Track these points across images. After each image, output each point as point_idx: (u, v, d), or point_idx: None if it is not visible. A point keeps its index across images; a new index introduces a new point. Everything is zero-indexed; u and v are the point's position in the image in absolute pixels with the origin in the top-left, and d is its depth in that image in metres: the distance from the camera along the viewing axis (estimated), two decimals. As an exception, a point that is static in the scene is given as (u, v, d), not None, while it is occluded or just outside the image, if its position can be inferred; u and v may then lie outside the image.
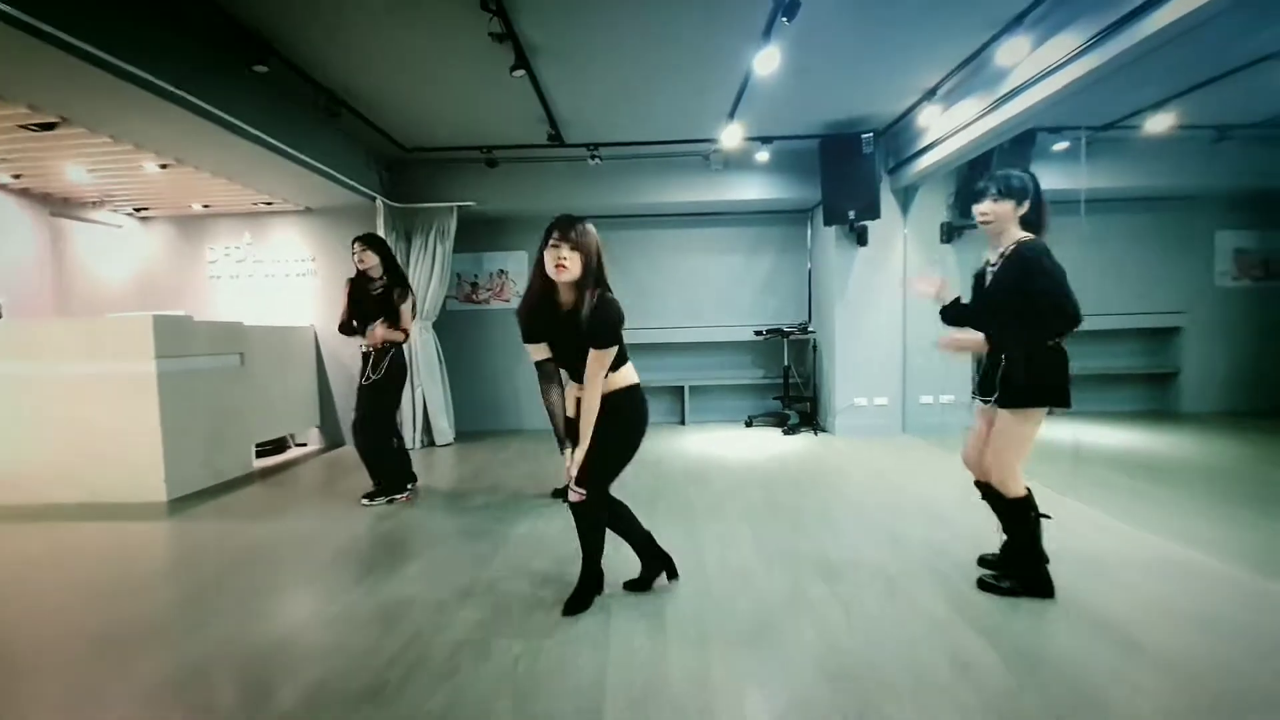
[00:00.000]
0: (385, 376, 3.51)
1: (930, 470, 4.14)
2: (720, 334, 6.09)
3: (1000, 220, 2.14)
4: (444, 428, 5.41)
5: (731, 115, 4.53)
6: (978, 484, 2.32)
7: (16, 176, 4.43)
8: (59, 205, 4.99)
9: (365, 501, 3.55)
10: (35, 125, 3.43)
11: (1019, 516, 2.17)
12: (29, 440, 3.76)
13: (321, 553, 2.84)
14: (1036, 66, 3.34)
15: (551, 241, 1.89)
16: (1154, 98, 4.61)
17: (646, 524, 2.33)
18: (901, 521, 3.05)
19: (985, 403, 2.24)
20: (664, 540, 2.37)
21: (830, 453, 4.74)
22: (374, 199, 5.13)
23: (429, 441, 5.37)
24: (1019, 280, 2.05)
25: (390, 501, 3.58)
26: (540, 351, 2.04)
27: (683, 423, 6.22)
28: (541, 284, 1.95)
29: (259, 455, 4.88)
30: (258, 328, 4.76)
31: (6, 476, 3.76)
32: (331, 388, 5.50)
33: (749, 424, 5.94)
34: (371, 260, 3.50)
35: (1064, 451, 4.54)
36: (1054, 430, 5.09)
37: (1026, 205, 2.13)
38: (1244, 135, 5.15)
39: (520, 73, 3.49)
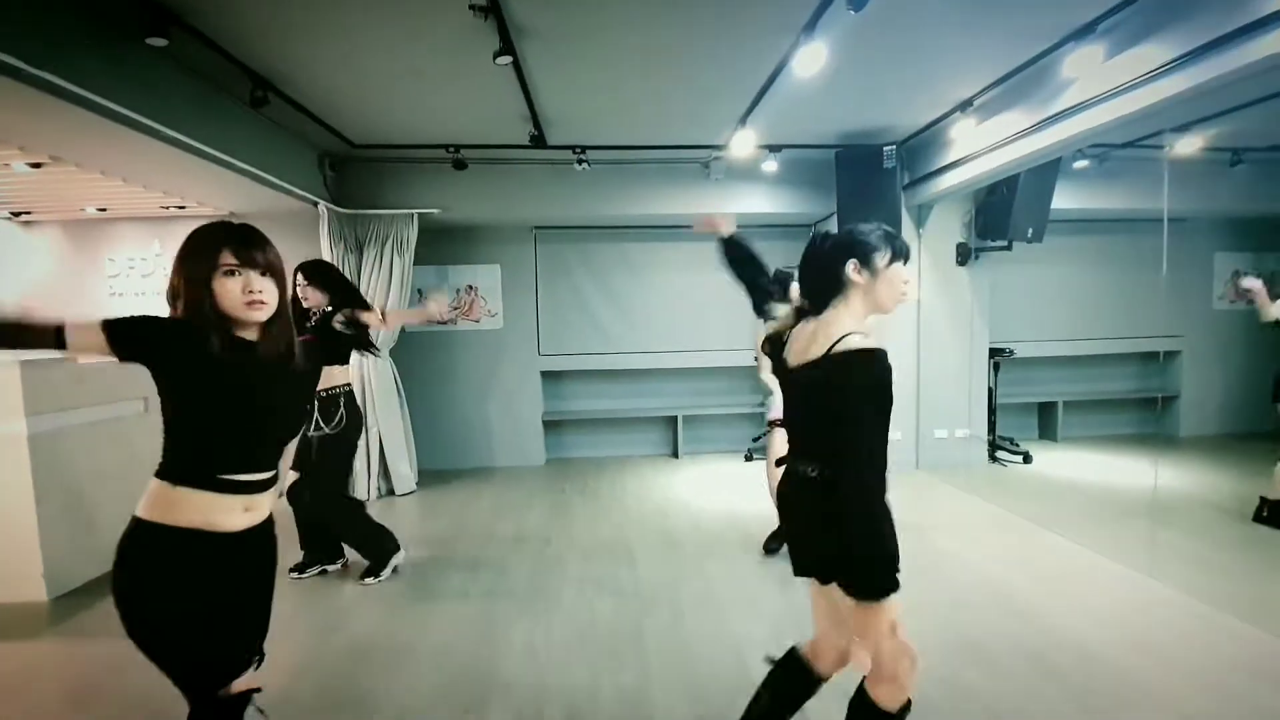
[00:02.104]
0: (343, 427, 2.90)
1: (964, 520, 3.71)
2: (717, 359, 5.54)
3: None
4: (405, 473, 4.66)
5: (744, 121, 3.96)
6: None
7: None
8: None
9: (295, 575, 3.02)
10: None
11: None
12: None
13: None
14: (1107, 83, 2.91)
15: (231, 266, 1.17)
16: (1183, 118, 4.33)
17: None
18: (966, 608, 2.56)
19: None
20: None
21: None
22: (316, 204, 4.30)
23: (388, 490, 4.61)
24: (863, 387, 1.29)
25: (377, 578, 3.00)
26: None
27: (675, 455, 5.65)
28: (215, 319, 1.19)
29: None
30: (170, 363, 3.88)
31: None
32: (267, 426, 4.64)
33: (749, 458, 5.43)
34: (317, 299, 2.78)
35: (1068, 490, 4.23)
36: (1055, 465, 4.94)
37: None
38: (1258, 158, 4.97)
39: (506, 59, 2.80)
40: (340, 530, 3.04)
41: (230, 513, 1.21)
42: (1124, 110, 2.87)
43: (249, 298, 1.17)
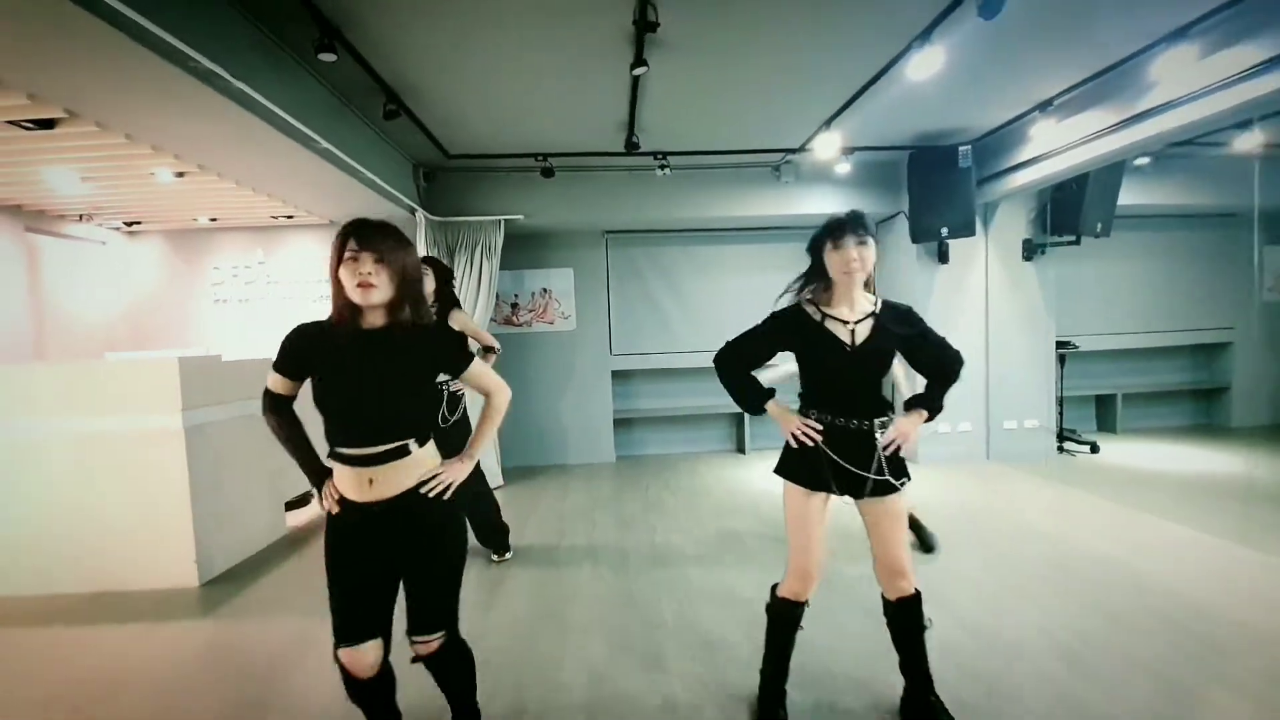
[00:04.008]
0: (463, 416, 3.12)
1: (1069, 510, 3.83)
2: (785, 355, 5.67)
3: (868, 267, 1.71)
4: (493, 468, 4.80)
5: (828, 124, 4.15)
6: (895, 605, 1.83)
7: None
8: (33, 219, 4.15)
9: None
10: (30, 123, 2.72)
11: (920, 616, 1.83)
12: (24, 518, 3.01)
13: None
14: (1198, 82, 3.09)
15: (352, 253, 1.35)
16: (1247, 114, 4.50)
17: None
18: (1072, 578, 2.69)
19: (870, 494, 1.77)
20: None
21: (928, 486, 4.40)
22: (413, 211, 4.50)
23: (479, 485, 4.75)
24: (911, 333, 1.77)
25: (502, 557, 3.28)
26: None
27: (742, 450, 5.79)
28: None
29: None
30: (286, 363, 4.05)
31: (-8, 564, 2.99)
32: (360, 426, 4.80)
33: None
34: (430, 286, 2.97)
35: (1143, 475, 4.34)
36: (1123, 455, 4.99)
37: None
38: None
39: (641, 69, 2.99)
40: (481, 514, 3.19)
41: (357, 487, 1.41)
42: (1218, 107, 3.04)
43: (358, 279, 1.30)
